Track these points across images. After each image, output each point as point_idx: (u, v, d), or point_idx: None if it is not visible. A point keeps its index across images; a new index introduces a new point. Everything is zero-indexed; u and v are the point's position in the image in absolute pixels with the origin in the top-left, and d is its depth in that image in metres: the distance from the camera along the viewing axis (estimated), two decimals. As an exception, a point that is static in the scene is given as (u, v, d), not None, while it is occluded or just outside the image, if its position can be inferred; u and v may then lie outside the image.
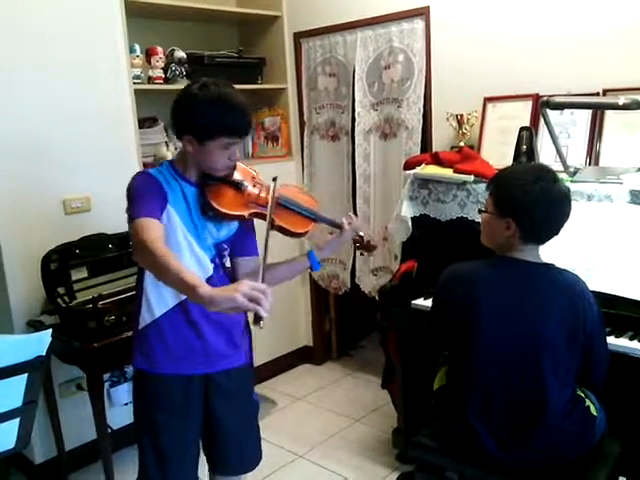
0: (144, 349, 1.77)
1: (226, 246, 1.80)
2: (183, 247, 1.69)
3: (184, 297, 1.70)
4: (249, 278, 1.51)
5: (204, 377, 1.80)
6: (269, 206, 1.69)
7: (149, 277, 1.72)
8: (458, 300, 1.81)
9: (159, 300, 1.73)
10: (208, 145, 1.63)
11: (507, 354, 1.72)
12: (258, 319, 1.36)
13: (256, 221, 1.83)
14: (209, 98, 1.61)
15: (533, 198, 1.69)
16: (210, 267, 1.74)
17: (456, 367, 1.87)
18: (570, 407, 1.74)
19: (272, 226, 1.74)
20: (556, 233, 1.75)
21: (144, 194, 1.63)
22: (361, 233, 1.93)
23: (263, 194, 1.76)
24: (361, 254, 1.99)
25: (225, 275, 1.81)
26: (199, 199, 1.71)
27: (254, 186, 1.78)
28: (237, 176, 1.77)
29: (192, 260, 1.71)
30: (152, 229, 1.54)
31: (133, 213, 1.59)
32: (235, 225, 1.81)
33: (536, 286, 1.72)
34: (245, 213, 1.73)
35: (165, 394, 1.77)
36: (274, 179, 1.75)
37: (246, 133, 1.68)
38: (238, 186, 1.74)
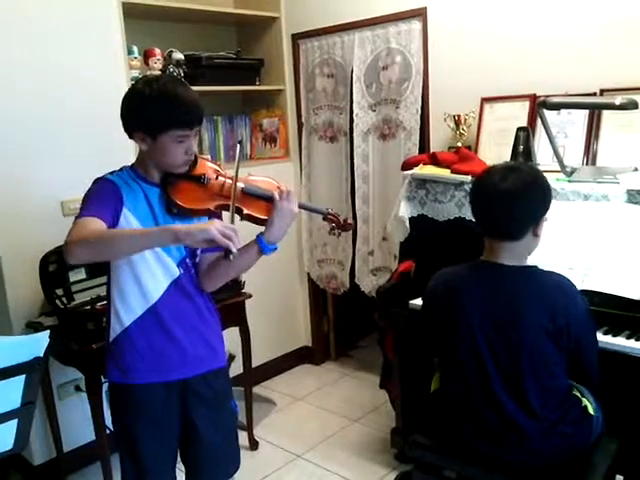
0: (117, 361, 1.75)
1: None
2: (145, 252, 1.65)
3: (152, 303, 1.70)
4: None
5: (181, 384, 1.77)
6: (235, 168, 1.68)
7: (115, 288, 1.72)
8: (439, 303, 1.83)
9: (127, 309, 1.71)
10: (161, 140, 1.63)
11: (487, 358, 1.71)
12: (228, 253, 1.49)
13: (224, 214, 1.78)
14: (154, 92, 1.62)
15: (472, 191, 1.79)
16: (176, 270, 1.72)
17: (445, 370, 1.88)
18: (565, 408, 1.74)
19: (241, 216, 1.72)
20: (499, 228, 1.71)
21: (94, 198, 1.62)
22: (336, 212, 1.86)
23: (227, 185, 1.73)
24: (338, 235, 1.91)
25: (195, 276, 1.79)
26: (162, 199, 1.69)
27: (217, 178, 1.74)
28: (199, 171, 1.74)
29: (156, 264, 1.69)
30: (92, 225, 1.52)
31: (77, 216, 1.58)
32: (204, 222, 1.75)
33: (512, 289, 1.70)
34: (210, 206, 1.70)
35: (141, 404, 1.74)
36: (239, 142, 1.75)
37: (196, 123, 1.66)
38: (200, 180, 1.71)
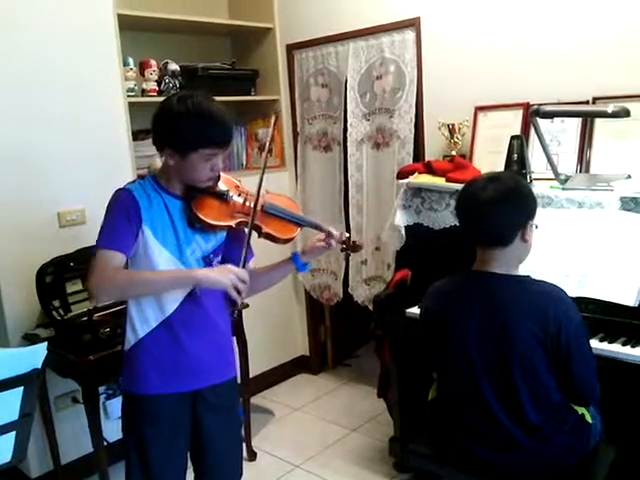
0: (132, 371, 1.77)
1: (212, 256, 1.79)
2: (161, 264, 1.69)
3: (167, 315, 1.72)
4: None
5: (193, 394, 1.79)
6: (258, 183, 1.75)
7: (133, 299, 1.74)
8: (430, 313, 1.85)
9: (142, 320, 1.73)
10: (190, 158, 1.64)
11: (479, 368, 1.71)
12: (234, 303, 1.67)
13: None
14: (187, 111, 1.61)
15: (456, 203, 1.81)
16: None
17: (440, 380, 1.89)
18: (562, 419, 1.72)
19: (260, 234, 1.79)
20: (483, 235, 1.72)
21: (115, 222, 1.66)
22: (346, 235, 1.90)
23: (248, 203, 1.77)
24: (347, 255, 2.00)
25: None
26: (184, 212, 1.72)
27: (239, 195, 1.79)
28: (221, 187, 1.78)
29: None
30: (115, 262, 1.63)
31: (98, 240, 1.66)
32: (222, 236, 1.81)
33: (503, 298, 1.69)
34: (232, 223, 1.75)
35: (153, 413, 1.76)
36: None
37: (227, 143, 1.68)
38: (223, 196, 1.75)
